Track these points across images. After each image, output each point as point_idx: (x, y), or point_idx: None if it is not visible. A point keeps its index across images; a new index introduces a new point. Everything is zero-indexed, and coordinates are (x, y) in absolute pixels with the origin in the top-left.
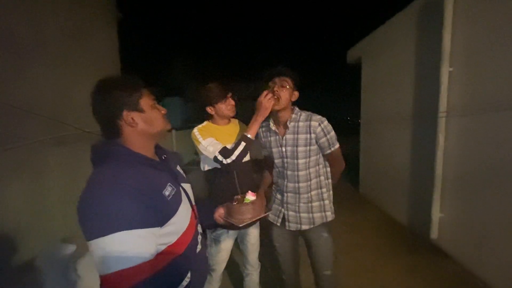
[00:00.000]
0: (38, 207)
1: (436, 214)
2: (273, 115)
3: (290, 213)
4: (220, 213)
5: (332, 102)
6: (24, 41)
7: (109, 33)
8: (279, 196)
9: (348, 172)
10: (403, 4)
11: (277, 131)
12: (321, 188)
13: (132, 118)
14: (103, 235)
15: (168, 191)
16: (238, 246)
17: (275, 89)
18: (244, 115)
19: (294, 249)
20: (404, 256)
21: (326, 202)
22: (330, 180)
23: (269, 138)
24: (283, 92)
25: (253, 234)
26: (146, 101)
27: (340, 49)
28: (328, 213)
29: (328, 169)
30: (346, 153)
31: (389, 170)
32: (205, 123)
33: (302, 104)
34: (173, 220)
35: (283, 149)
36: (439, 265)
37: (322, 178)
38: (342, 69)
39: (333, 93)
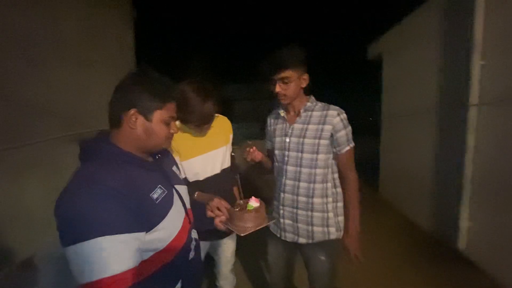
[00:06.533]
0: (53, 203)
1: (464, 222)
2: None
3: (287, 221)
4: (221, 218)
5: (351, 101)
6: (41, 41)
7: (125, 33)
8: (276, 198)
9: (367, 173)
10: None
11: (286, 117)
12: (326, 196)
13: (135, 120)
14: (82, 241)
15: (157, 193)
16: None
17: (277, 90)
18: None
19: (288, 265)
20: (426, 266)
21: (331, 215)
22: (339, 189)
23: (275, 126)
24: (287, 89)
25: (228, 245)
26: (161, 114)
27: (359, 46)
28: (332, 229)
29: (336, 175)
30: (366, 153)
31: (412, 171)
32: (176, 123)
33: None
34: (161, 225)
35: (287, 140)
36: (466, 278)
37: (329, 185)
38: (361, 66)
39: (351, 91)
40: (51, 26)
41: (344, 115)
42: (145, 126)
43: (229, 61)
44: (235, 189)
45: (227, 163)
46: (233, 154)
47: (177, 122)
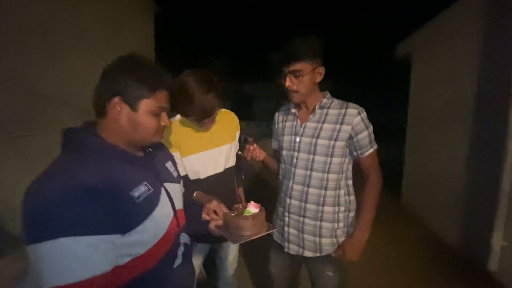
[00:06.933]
0: None
1: (498, 241)
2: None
3: (292, 231)
4: (217, 222)
5: (373, 102)
6: (59, 32)
7: (145, 25)
8: (281, 204)
9: (388, 181)
10: None
11: (297, 114)
12: (338, 205)
13: (120, 109)
14: (43, 240)
15: (139, 191)
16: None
17: (287, 84)
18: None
19: (293, 280)
20: (451, 287)
21: (341, 225)
22: (352, 198)
23: (284, 123)
24: (299, 83)
25: (230, 249)
26: (149, 104)
27: (386, 43)
28: (341, 240)
29: (350, 181)
30: (387, 159)
31: (441, 181)
32: (178, 117)
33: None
34: (141, 227)
35: (297, 139)
36: None
37: (342, 192)
38: (386, 65)
39: (373, 92)
40: (70, 17)
41: (364, 114)
42: (130, 116)
43: (250, 59)
44: (240, 190)
45: (231, 162)
46: (239, 152)
47: (178, 116)
